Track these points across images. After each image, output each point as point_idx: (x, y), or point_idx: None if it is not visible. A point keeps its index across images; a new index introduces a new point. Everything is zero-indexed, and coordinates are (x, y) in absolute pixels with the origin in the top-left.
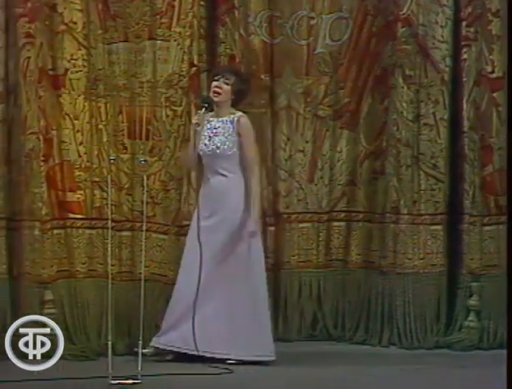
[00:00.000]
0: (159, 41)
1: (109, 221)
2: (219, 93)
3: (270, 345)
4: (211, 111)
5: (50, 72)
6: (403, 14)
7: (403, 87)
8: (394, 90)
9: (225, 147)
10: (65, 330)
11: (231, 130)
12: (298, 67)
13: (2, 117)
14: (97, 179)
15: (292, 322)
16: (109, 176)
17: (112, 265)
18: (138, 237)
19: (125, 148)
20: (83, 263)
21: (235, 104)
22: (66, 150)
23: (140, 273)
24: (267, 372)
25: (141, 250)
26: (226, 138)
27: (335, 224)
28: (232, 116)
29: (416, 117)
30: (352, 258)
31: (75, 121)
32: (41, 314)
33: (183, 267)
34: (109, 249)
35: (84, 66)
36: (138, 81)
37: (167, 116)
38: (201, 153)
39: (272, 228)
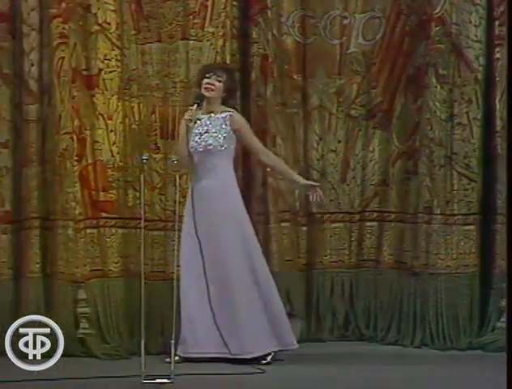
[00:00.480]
0: (192, 41)
1: (142, 221)
2: (211, 90)
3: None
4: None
5: (84, 72)
6: (437, 13)
7: (436, 87)
8: (427, 89)
9: (217, 143)
10: (98, 329)
11: (223, 126)
12: (331, 67)
13: (36, 117)
14: (130, 179)
15: (325, 322)
16: (142, 175)
17: (144, 264)
18: (171, 236)
19: (158, 148)
20: (116, 263)
21: (225, 102)
22: (99, 150)
23: (172, 272)
24: (298, 372)
25: (173, 250)
26: (217, 135)
27: (368, 224)
28: (223, 113)
29: (449, 116)
30: (384, 259)
31: (109, 121)
32: (75, 313)
33: (185, 269)
34: (142, 248)
35: (118, 67)
36: (171, 81)
37: None
38: (192, 150)
39: (304, 228)
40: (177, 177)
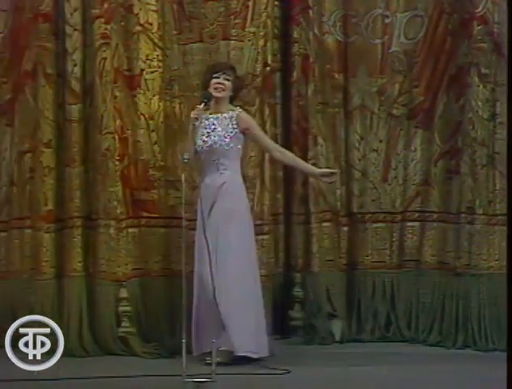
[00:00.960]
0: (233, 41)
1: (183, 220)
2: (222, 89)
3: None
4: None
5: (126, 72)
6: (479, 12)
7: (478, 86)
8: (469, 89)
9: (223, 142)
10: (139, 328)
11: (230, 126)
12: (372, 66)
13: (78, 117)
14: (171, 178)
15: (366, 322)
16: (183, 175)
17: (185, 263)
18: None
19: None
20: (157, 262)
21: (232, 101)
22: (140, 149)
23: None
24: (337, 372)
25: None
26: (224, 134)
27: (409, 224)
28: (230, 112)
29: (491, 115)
30: (425, 259)
31: (150, 121)
32: (116, 312)
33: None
34: (183, 247)
35: (159, 67)
36: None
37: None
38: (199, 149)
39: (345, 228)
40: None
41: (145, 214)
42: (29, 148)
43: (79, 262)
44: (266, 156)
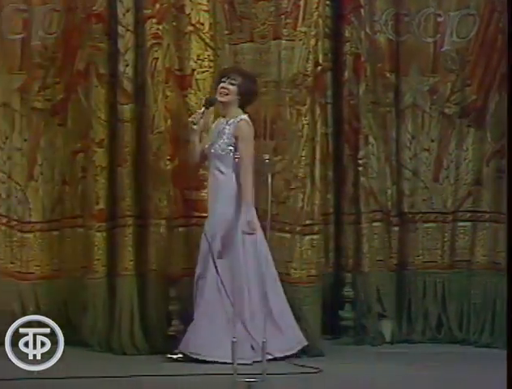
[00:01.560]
0: (284, 41)
1: None
2: (225, 94)
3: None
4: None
5: (177, 72)
6: None
7: None
8: None
9: (218, 147)
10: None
11: (227, 130)
12: (424, 65)
13: (130, 117)
14: None
15: (416, 323)
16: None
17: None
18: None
19: None
20: None
21: (244, 105)
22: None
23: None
24: (387, 372)
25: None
26: (221, 138)
27: (461, 224)
28: (234, 118)
29: None
30: (477, 259)
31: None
32: (167, 311)
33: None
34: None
35: (210, 67)
36: (263, 81)
37: (291, 115)
38: (205, 152)
39: (396, 228)
40: (269, 176)
41: (195, 213)
42: (81, 148)
43: (130, 260)
44: (317, 155)
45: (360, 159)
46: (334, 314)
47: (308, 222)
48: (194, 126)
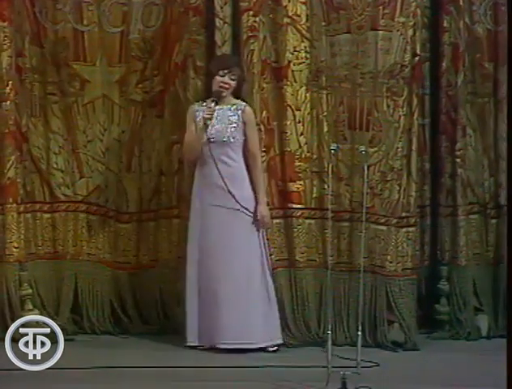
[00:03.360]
0: (381, 32)
1: (329, 212)
2: (226, 89)
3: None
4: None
5: (273, 64)
6: None
7: None
8: None
9: (228, 134)
10: (283, 318)
11: (235, 118)
12: None
13: None
14: (317, 169)
15: None
16: (330, 166)
17: (330, 255)
18: (357, 227)
19: (345, 139)
20: (302, 253)
21: (237, 94)
22: (286, 141)
23: (359, 264)
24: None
25: (359, 241)
26: (230, 125)
27: None
28: (235, 105)
29: None
30: None
31: (296, 112)
32: None
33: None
34: (328, 239)
35: (307, 58)
36: (360, 72)
37: (388, 106)
38: (210, 141)
39: (494, 221)
40: (365, 167)
41: (291, 205)
42: (178, 139)
43: None
44: (413, 146)
45: (458, 150)
46: (429, 307)
47: (404, 214)
48: (209, 122)
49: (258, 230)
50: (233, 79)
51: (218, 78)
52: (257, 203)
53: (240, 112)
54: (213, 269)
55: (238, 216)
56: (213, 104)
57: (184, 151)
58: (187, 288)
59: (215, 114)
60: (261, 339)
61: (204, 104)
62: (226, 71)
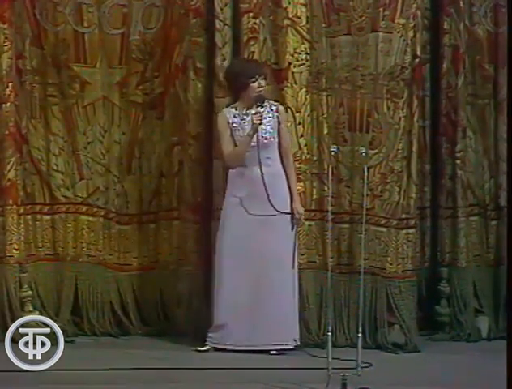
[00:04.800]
0: (381, 34)
1: (329, 213)
2: (263, 91)
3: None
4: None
5: (273, 66)
6: None
7: None
8: None
9: (269, 135)
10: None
11: (271, 118)
12: None
13: None
14: (316, 171)
15: None
16: (330, 168)
17: (331, 257)
18: (357, 229)
19: (346, 141)
20: (303, 255)
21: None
22: None
23: (359, 266)
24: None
25: (360, 243)
26: (268, 126)
27: None
28: (269, 105)
29: None
30: None
31: (297, 114)
32: None
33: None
34: (329, 241)
35: (307, 60)
36: (360, 74)
37: (388, 108)
38: (252, 144)
39: (494, 223)
40: (365, 169)
41: None
42: (178, 141)
43: None
44: (414, 148)
45: (458, 152)
46: (429, 309)
47: (404, 216)
48: (259, 127)
49: (292, 229)
50: (265, 79)
51: (253, 84)
52: (291, 200)
53: (274, 111)
54: (253, 275)
55: (277, 221)
56: (261, 109)
57: (229, 159)
58: (220, 297)
59: (248, 118)
60: (292, 339)
61: (233, 109)
62: (258, 76)
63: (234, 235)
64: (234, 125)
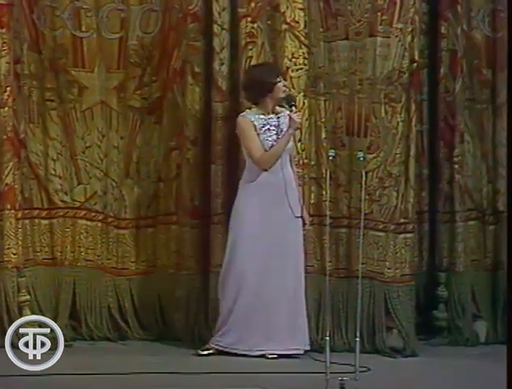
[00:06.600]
0: (379, 38)
1: (327, 218)
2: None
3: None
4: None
5: None
6: None
7: None
8: None
9: (291, 142)
10: None
11: (285, 123)
12: None
13: (224, 115)
14: (314, 175)
15: None
16: (328, 172)
17: (329, 261)
18: (355, 233)
19: (344, 145)
20: None
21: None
22: None
23: (357, 270)
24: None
25: (358, 247)
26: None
27: None
28: (282, 111)
29: None
30: None
31: None
32: None
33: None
34: (327, 245)
35: (305, 65)
36: (358, 78)
37: (386, 112)
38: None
39: (492, 227)
40: (363, 173)
41: None
42: (176, 145)
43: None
44: (412, 153)
45: (456, 156)
46: (427, 313)
47: (402, 220)
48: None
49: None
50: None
51: (279, 84)
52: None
53: (286, 117)
54: (268, 278)
55: (294, 224)
56: (295, 108)
57: (264, 161)
58: (233, 300)
59: (277, 122)
60: (305, 344)
61: (255, 112)
62: (280, 76)
63: (254, 237)
64: (262, 127)
